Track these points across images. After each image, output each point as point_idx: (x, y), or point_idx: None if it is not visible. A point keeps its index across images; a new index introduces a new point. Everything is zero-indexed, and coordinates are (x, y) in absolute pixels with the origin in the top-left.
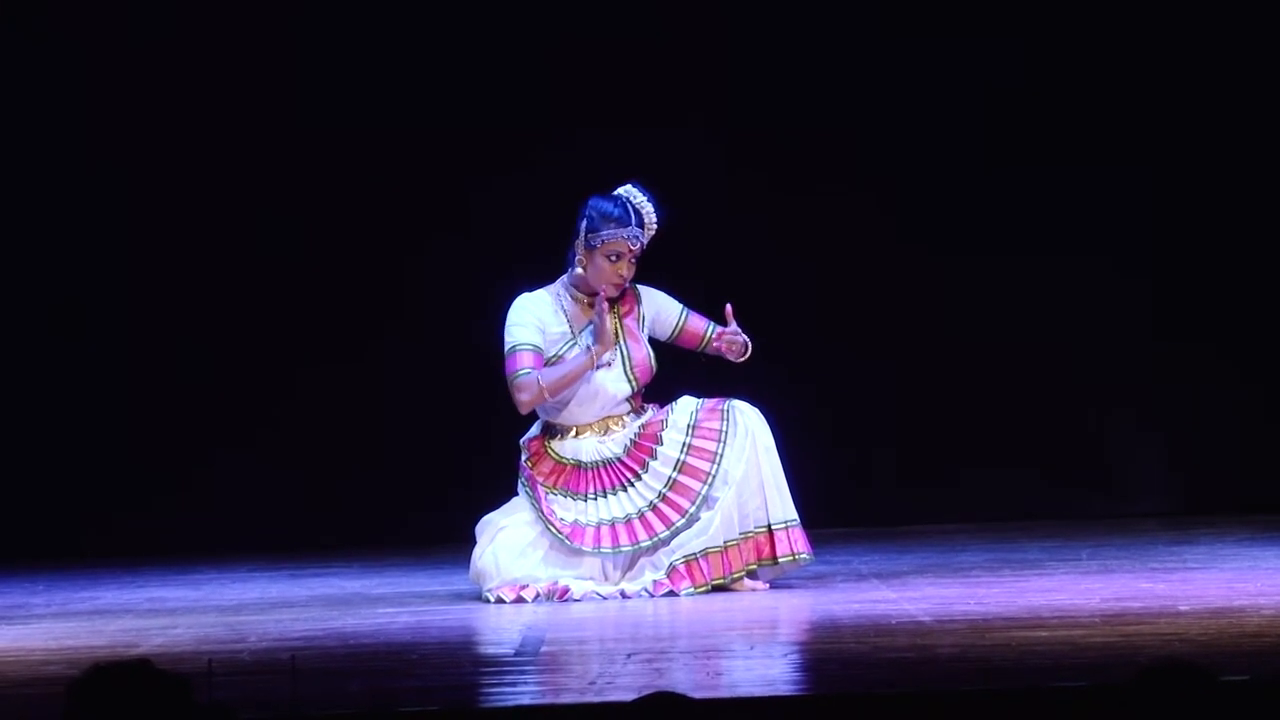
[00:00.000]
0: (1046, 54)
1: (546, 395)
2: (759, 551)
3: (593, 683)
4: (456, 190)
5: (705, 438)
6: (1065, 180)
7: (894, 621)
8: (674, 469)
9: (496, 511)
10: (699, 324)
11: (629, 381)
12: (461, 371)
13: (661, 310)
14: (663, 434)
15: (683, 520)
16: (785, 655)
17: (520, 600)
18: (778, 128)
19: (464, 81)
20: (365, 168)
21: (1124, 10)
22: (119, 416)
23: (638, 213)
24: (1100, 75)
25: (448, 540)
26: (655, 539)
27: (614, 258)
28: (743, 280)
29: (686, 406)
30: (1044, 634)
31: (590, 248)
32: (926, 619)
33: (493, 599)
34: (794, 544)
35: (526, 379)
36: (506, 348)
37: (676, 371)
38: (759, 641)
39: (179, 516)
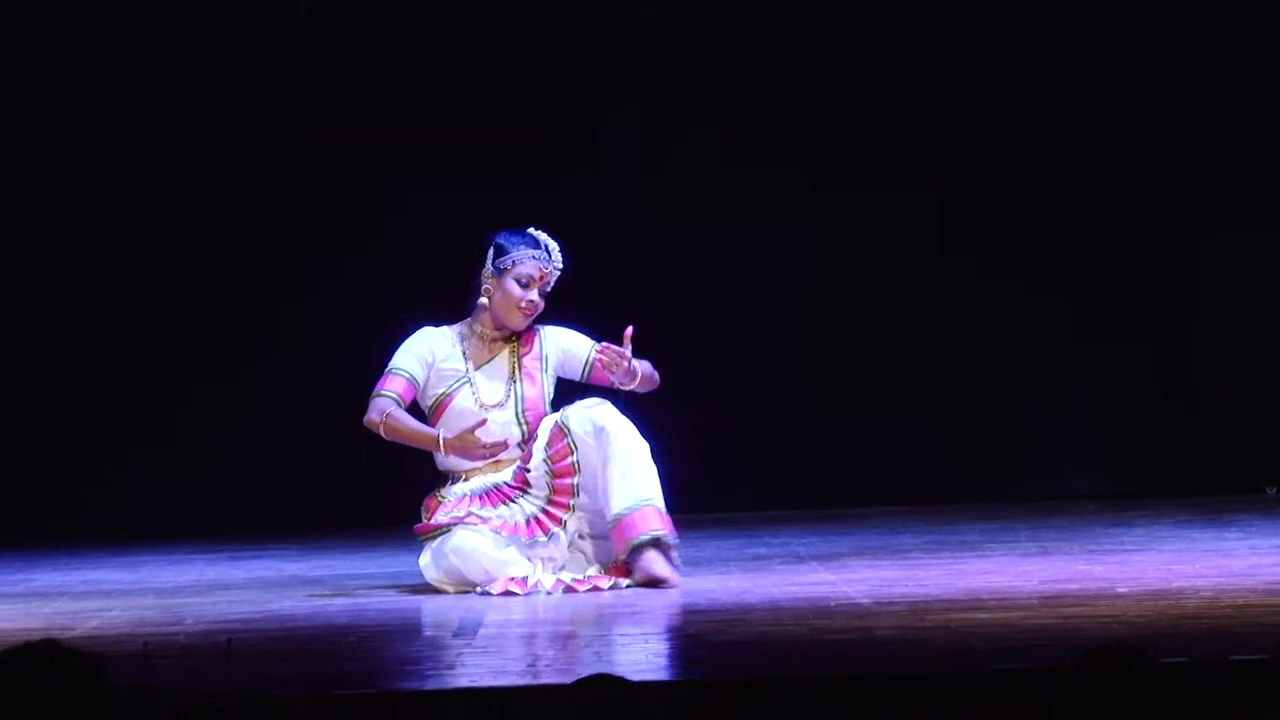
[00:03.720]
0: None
1: (381, 432)
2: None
3: (531, 665)
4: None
5: (562, 474)
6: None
7: (833, 604)
8: (548, 491)
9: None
10: None
11: (519, 425)
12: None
13: (569, 349)
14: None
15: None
16: (723, 637)
17: (509, 594)
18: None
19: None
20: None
21: (1059, 26)
22: (50, 403)
23: (546, 245)
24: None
25: (385, 523)
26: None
27: (524, 282)
28: (684, 274)
29: (544, 431)
30: (983, 616)
31: (499, 271)
32: (865, 601)
33: (495, 592)
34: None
35: (383, 404)
36: (388, 365)
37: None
38: (697, 624)
39: (114, 500)
